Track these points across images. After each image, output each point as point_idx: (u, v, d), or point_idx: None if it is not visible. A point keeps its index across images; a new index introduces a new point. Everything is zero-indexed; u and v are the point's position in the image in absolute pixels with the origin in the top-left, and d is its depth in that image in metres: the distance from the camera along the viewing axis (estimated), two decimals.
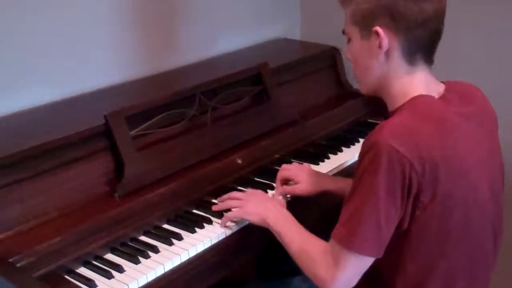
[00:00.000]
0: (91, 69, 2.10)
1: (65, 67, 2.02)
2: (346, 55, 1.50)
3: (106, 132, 1.71)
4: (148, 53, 2.28)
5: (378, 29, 1.35)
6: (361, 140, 2.07)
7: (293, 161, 1.98)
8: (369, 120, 2.30)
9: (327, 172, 1.95)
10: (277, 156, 2.00)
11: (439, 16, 1.36)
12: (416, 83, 1.39)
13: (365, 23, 1.38)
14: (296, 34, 2.86)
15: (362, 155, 1.32)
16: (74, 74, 2.05)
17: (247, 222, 1.65)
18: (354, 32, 1.42)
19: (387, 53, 1.38)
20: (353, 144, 2.15)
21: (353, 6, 1.40)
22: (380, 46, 1.36)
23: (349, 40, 1.45)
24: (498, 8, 2.26)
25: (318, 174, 1.85)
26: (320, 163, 2.01)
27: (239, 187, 1.85)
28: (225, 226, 1.65)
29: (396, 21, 1.34)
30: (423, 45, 1.37)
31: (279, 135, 2.04)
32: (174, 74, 2.29)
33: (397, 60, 1.38)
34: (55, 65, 2.00)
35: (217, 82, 1.99)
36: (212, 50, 2.48)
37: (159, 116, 1.82)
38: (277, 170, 1.90)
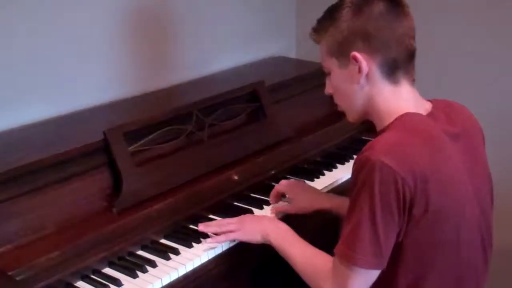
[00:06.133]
0: (90, 87, 2.13)
1: (64, 84, 2.05)
2: (325, 91, 1.53)
3: (104, 148, 1.73)
4: (146, 71, 2.31)
5: (356, 54, 1.39)
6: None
7: (288, 177, 2.00)
8: (364, 138, 2.32)
9: (322, 189, 1.97)
10: (273, 172, 2.03)
11: (409, 34, 1.40)
12: (403, 101, 1.42)
13: (341, 51, 1.42)
14: (292, 52, 2.90)
15: (355, 173, 1.34)
16: (72, 91, 2.08)
17: None
18: (332, 63, 1.46)
19: (368, 76, 1.41)
20: (348, 161, 2.17)
21: (327, 38, 1.44)
22: (360, 71, 1.40)
23: (329, 73, 1.49)
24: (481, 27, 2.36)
25: (314, 191, 1.86)
26: (315, 179, 2.04)
27: (235, 203, 1.88)
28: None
29: (370, 43, 1.38)
30: (400, 62, 1.40)
31: (275, 152, 2.07)
32: (171, 92, 2.32)
33: (379, 81, 1.41)
34: (53, 82, 2.02)
35: (214, 100, 2.02)
36: (208, 68, 2.51)
37: (157, 133, 1.84)
38: (273, 186, 1.92)
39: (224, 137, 2.00)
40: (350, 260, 1.33)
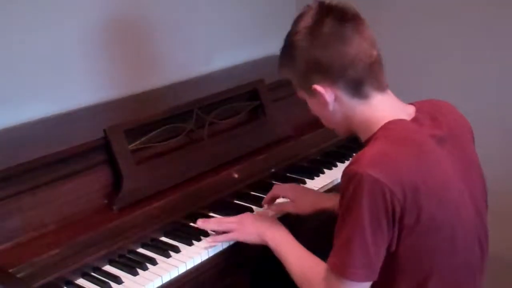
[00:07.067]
0: (90, 85, 2.13)
1: (64, 83, 2.05)
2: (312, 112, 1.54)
3: (105, 146, 1.73)
4: (146, 69, 2.31)
5: (316, 86, 1.40)
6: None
7: (288, 175, 2.02)
8: None
9: (322, 187, 1.98)
10: (273, 170, 2.03)
11: (364, 50, 1.38)
12: (379, 111, 1.40)
13: (304, 85, 1.45)
14: None
15: (343, 187, 1.33)
16: (72, 89, 2.08)
17: None
18: (302, 94, 1.49)
19: (336, 101, 1.41)
20: (347, 160, 2.17)
21: (290, 75, 1.47)
22: (325, 100, 1.41)
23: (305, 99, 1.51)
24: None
25: (314, 192, 1.86)
26: (315, 177, 2.04)
27: (235, 201, 1.88)
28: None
29: (326, 73, 1.38)
30: (363, 78, 1.39)
31: (275, 150, 2.07)
32: (171, 90, 2.32)
33: (349, 101, 1.41)
34: (53, 81, 2.03)
35: (214, 98, 2.02)
36: (207, 67, 2.52)
37: (157, 131, 1.84)
38: (273, 184, 1.92)
39: (224, 136, 2.01)
40: (341, 273, 1.33)
